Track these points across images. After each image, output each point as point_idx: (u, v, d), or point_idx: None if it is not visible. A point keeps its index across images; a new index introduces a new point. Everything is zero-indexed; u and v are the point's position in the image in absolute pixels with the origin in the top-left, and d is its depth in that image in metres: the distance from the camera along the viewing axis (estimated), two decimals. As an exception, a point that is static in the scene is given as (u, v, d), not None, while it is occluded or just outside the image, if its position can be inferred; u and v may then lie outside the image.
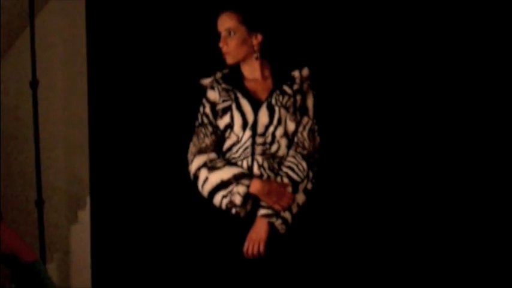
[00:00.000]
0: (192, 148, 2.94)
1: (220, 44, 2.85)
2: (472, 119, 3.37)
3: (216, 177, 2.85)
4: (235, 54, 2.87)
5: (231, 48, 2.87)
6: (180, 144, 3.09)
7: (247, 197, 2.84)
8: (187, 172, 2.95)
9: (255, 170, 2.85)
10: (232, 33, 2.85)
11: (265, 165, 2.85)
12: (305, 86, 2.94)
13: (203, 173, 2.87)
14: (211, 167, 2.86)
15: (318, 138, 2.95)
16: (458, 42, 3.36)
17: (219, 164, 2.86)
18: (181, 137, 3.03)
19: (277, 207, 2.84)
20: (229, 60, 2.88)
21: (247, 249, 2.86)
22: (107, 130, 3.59)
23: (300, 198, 2.89)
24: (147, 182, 3.59)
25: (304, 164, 2.88)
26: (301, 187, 2.87)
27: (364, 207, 3.44)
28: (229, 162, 2.88)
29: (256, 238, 2.86)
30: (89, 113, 3.57)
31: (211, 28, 2.86)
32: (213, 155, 2.88)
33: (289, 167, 2.87)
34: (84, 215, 3.76)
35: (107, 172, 3.61)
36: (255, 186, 2.83)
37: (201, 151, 2.91)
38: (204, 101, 2.95)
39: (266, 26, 2.89)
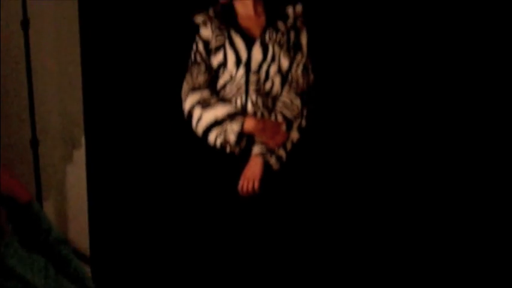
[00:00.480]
0: (185, 86, 2.93)
1: None
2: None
3: (209, 116, 2.85)
4: None
5: None
6: (175, 77, 3.09)
7: (241, 135, 2.85)
8: (183, 108, 2.96)
9: (249, 107, 2.85)
10: None
11: (259, 102, 2.85)
12: (298, 22, 2.91)
13: (197, 111, 2.87)
14: (204, 105, 2.86)
15: (311, 76, 2.95)
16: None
17: (212, 102, 2.86)
18: (177, 70, 3.02)
19: (271, 144, 2.85)
20: None
21: (242, 186, 2.88)
22: (100, 69, 3.57)
23: (294, 135, 2.90)
24: (142, 120, 3.58)
25: (298, 102, 2.88)
26: (295, 125, 2.88)
27: (357, 145, 3.45)
28: (223, 100, 2.87)
29: (251, 176, 2.88)
30: (81, 51, 3.54)
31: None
32: (206, 93, 2.87)
33: (284, 105, 2.87)
34: (80, 155, 3.76)
35: (102, 111, 3.60)
36: (249, 123, 2.84)
37: (194, 89, 2.90)
38: (197, 38, 2.93)
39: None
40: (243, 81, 2.86)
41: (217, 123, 2.86)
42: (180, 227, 3.54)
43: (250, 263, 3.05)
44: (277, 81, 2.89)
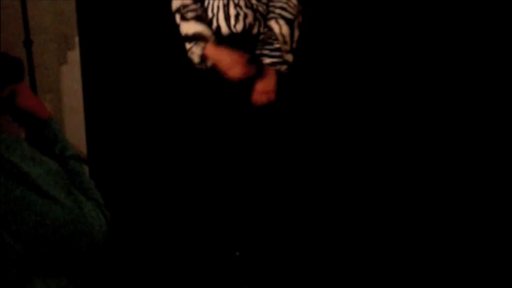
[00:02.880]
0: None
1: None
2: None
3: (183, 29, 2.86)
4: None
5: None
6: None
7: (203, 57, 2.82)
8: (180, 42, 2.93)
9: (231, 9, 2.79)
10: None
11: (241, 3, 2.79)
12: None
13: (177, 18, 2.86)
14: (182, 16, 2.84)
15: None
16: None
17: (188, 16, 2.84)
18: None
19: (228, 75, 2.80)
20: None
21: (257, 100, 2.85)
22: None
23: (296, 33, 2.86)
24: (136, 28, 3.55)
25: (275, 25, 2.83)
26: (295, 23, 2.84)
27: (360, 43, 3.42)
28: (198, 16, 2.83)
29: (266, 89, 2.85)
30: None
31: None
32: (187, 1, 2.84)
33: (281, 7, 2.82)
34: (74, 55, 3.74)
35: (95, 12, 3.55)
36: (208, 50, 2.81)
37: None
38: None
39: None
40: None
41: (187, 38, 2.83)
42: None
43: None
44: None
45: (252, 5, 2.79)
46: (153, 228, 3.44)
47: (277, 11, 2.82)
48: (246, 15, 2.79)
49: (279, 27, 2.81)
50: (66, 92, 3.84)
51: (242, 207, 3.02)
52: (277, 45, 2.80)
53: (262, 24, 2.82)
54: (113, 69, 3.61)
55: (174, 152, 3.55)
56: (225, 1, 2.78)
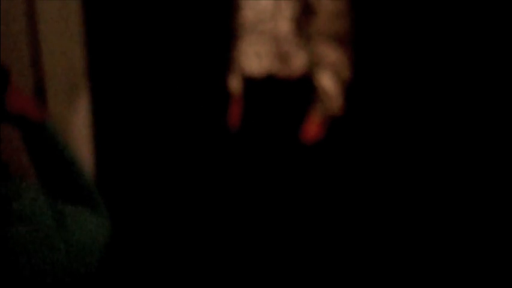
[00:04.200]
0: None
1: None
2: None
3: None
4: None
5: None
6: (174, 24, 3.07)
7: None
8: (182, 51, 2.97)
9: (252, 57, 2.88)
10: None
11: (263, 51, 2.86)
12: None
13: None
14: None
15: None
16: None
17: None
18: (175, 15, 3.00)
19: None
20: None
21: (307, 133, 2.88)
22: (104, 18, 3.54)
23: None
24: (147, 68, 3.57)
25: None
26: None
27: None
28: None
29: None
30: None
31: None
32: None
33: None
34: (84, 103, 3.76)
35: (105, 58, 3.59)
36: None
37: None
38: None
39: None
40: (251, 28, 2.88)
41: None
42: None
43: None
44: None
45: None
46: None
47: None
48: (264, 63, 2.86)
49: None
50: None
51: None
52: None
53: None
54: (122, 111, 3.64)
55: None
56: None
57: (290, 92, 2.84)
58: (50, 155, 1.62)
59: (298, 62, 2.79)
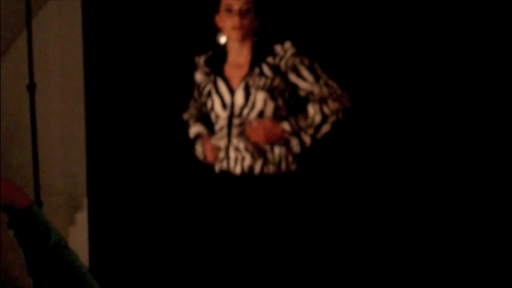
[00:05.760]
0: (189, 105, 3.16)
1: (233, 20, 2.85)
2: (470, 116, 3.36)
3: (190, 133, 3.13)
4: (247, 31, 2.88)
5: (245, 23, 2.86)
6: (178, 142, 3.14)
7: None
8: (184, 172, 3.03)
9: (231, 152, 2.88)
10: (248, 10, 2.87)
11: (241, 146, 2.88)
12: (289, 61, 2.91)
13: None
14: (188, 126, 3.15)
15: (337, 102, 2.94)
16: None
17: (190, 122, 3.14)
18: (179, 135, 3.07)
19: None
20: (238, 36, 2.88)
21: (250, 131, 2.86)
22: (104, 132, 3.60)
23: (325, 128, 2.89)
24: (144, 183, 3.59)
25: (311, 110, 2.87)
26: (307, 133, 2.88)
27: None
28: (198, 119, 2.99)
29: (264, 131, 2.86)
30: (86, 114, 3.58)
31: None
32: (186, 116, 3.13)
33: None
34: (82, 217, 3.77)
35: (104, 173, 3.62)
36: (199, 146, 3.05)
37: (187, 110, 3.16)
38: (194, 78, 3.05)
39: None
40: (224, 123, 2.93)
41: (193, 140, 3.08)
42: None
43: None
44: None
45: (252, 147, 2.86)
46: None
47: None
48: (243, 158, 2.87)
49: (314, 111, 2.87)
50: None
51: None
52: (303, 124, 2.85)
53: (266, 163, 2.88)
54: (120, 232, 3.63)
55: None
56: (226, 143, 2.89)
57: None
58: (34, 239, 1.62)
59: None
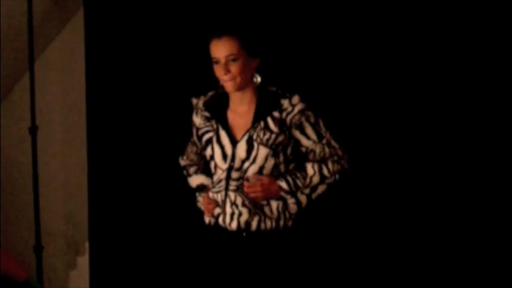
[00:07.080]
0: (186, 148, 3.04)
1: (221, 72, 2.75)
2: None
3: (189, 183, 2.96)
4: (239, 81, 2.80)
5: (234, 74, 2.80)
6: (179, 189, 3.10)
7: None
8: (188, 213, 2.98)
9: (227, 207, 2.81)
10: (234, 59, 2.75)
11: (238, 201, 2.79)
12: (295, 118, 2.87)
13: (185, 173, 3.01)
14: (187, 173, 2.99)
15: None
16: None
17: (190, 171, 2.98)
18: (180, 176, 3.03)
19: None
20: (232, 88, 2.80)
21: (249, 186, 2.80)
22: (106, 175, 3.60)
23: (321, 188, 2.85)
24: (146, 228, 3.58)
25: (310, 170, 2.84)
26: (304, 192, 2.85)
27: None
28: (200, 169, 2.92)
29: (262, 188, 2.80)
30: (88, 157, 3.57)
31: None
32: (184, 162, 3.01)
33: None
34: (83, 261, 3.73)
35: (106, 217, 3.60)
36: (203, 201, 2.90)
37: (183, 155, 3.02)
38: (192, 120, 2.95)
39: (265, 51, 2.85)
40: (223, 176, 2.83)
41: (194, 191, 2.93)
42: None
43: None
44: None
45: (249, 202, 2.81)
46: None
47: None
48: (240, 214, 2.80)
49: (313, 172, 2.82)
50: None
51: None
52: (300, 183, 2.80)
53: (263, 219, 2.83)
54: (121, 276, 3.60)
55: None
56: (223, 197, 2.82)
57: None
58: None
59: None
